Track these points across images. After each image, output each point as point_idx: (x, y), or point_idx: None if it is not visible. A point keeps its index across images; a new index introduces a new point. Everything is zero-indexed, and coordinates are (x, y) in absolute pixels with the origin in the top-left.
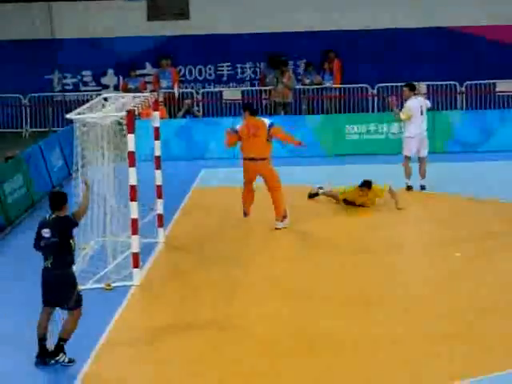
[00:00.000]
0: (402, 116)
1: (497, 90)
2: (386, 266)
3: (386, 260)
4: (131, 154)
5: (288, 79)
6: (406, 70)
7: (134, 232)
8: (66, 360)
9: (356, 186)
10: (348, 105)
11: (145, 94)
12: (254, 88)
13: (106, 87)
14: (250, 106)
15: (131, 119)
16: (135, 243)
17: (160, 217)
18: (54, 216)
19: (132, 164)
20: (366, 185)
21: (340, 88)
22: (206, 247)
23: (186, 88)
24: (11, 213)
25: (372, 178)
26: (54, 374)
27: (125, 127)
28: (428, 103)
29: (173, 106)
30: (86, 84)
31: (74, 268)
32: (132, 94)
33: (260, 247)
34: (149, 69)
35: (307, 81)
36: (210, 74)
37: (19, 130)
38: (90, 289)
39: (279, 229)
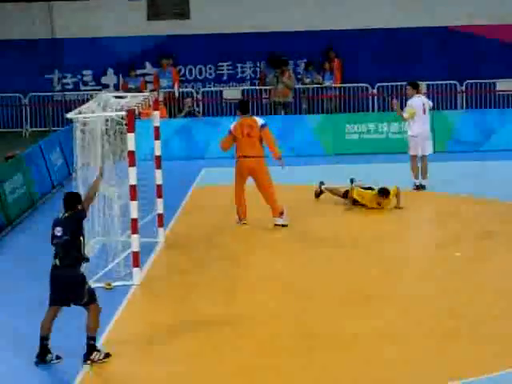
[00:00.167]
0: (405, 115)
1: (497, 89)
2: (385, 266)
3: (386, 259)
4: (131, 154)
5: (288, 79)
6: (406, 70)
7: (134, 231)
8: (102, 356)
9: (374, 193)
10: (348, 104)
11: (144, 94)
12: (254, 87)
13: (106, 87)
14: (240, 105)
15: (131, 119)
16: (135, 243)
17: (160, 216)
18: (66, 215)
19: (132, 163)
20: (384, 193)
21: (340, 87)
22: (206, 246)
23: (186, 87)
24: (11, 212)
25: (372, 177)
26: (54, 374)
27: (125, 127)
28: (430, 103)
29: (173, 106)
30: (86, 83)
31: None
32: (130, 94)
33: (260, 246)
34: (149, 68)
35: (307, 80)
36: (210, 74)
37: (19, 129)
38: None
39: (279, 225)
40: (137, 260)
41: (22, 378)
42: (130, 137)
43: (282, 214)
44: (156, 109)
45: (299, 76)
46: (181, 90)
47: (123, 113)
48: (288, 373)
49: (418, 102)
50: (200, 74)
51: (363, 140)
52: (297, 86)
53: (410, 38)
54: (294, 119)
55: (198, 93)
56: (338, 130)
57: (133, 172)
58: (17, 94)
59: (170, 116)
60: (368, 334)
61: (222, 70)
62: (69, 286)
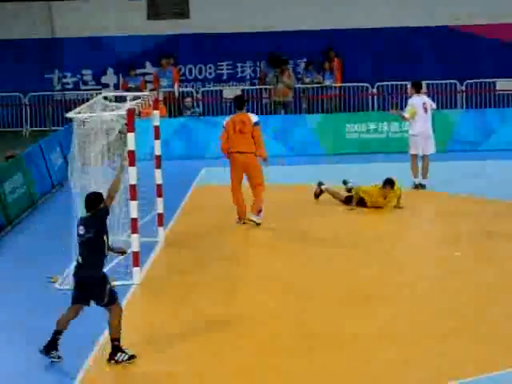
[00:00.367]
0: (406, 115)
1: (497, 88)
2: (385, 265)
3: (385, 259)
4: (131, 153)
5: (288, 78)
6: (406, 69)
7: (134, 231)
8: (127, 357)
9: (379, 187)
10: (348, 104)
11: (144, 93)
12: (254, 87)
13: (106, 86)
14: (234, 101)
15: (131, 118)
16: (135, 242)
17: (160, 216)
18: (89, 214)
19: (132, 163)
20: (389, 183)
21: (340, 87)
22: (206, 246)
23: (186, 87)
24: (11, 212)
25: (372, 177)
26: (55, 374)
27: (125, 126)
28: (433, 105)
29: (173, 105)
30: (86, 83)
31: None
32: (130, 94)
33: (260, 246)
34: (149, 68)
35: (307, 80)
36: (210, 73)
37: (19, 129)
38: None
39: (252, 221)
40: (137, 260)
41: (22, 378)
42: (130, 136)
43: (260, 212)
44: (156, 108)
45: (299, 75)
46: (181, 89)
47: (123, 112)
48: (288, 373)
49: (418, 101)
50: (200, 73)
51: (363, 139)
52: (297, 86)
53: (410, 37)
54: (294, 119)
55: (197, 92)
56: (338, 130)
57: (133, 172)
58: (17, 94)
59: (170, 116)
60: (368, 334)
61: (222, 70)
62: (90, 286)
